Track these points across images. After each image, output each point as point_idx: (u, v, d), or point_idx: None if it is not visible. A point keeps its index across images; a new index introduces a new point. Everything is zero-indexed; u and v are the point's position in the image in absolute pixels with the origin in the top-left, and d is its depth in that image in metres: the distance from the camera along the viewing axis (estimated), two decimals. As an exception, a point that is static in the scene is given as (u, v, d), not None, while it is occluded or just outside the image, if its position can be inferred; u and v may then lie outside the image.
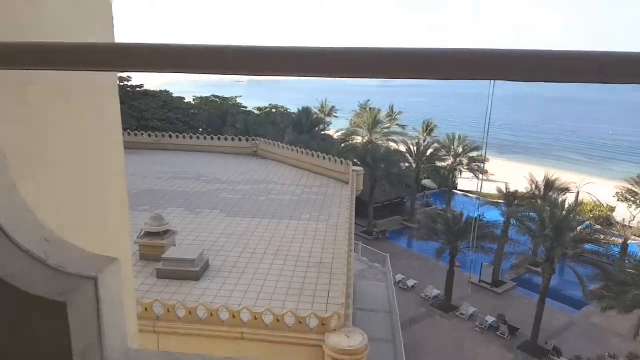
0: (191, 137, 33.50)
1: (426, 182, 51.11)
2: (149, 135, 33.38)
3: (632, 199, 45.56)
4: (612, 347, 27.91)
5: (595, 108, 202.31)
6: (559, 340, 29.38)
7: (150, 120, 46.34)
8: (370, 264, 27.81)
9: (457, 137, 52.68)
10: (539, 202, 37.23)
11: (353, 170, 24.85)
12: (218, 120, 49.83)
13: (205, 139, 33.24)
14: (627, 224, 45.93)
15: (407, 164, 48.43)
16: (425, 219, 33.77)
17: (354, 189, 23.33)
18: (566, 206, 31.74)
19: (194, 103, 58.93)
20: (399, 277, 34.47)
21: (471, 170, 52.57)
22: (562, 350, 27.59)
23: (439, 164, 50.82)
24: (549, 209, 30.17)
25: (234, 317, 12.07)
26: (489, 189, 56.44)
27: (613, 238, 34.80)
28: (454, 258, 32.00)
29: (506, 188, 42.86)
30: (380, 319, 21.65)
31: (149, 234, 15.61)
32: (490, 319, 30.77)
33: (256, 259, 16.21)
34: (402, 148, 50.53)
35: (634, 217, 46.38)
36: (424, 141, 60.30)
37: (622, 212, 47.21)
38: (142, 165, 27.78)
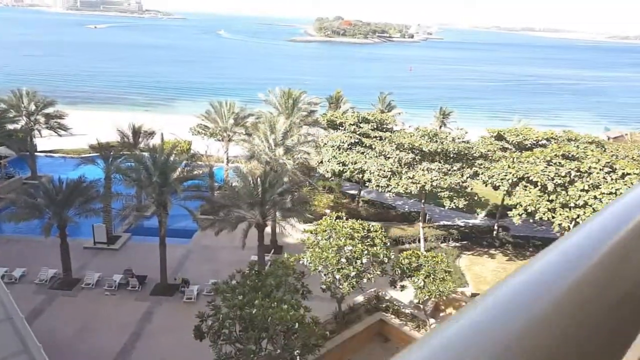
0: None
1: (0, 149, 42.62)
2: None
3: (203, 131, 51.97)
4: (224, 261, 33.32)
5: (152, 51, 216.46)
6: (183, 272, 32.63)
7: None
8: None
9: (24, 92, 45.57)
10: (136, 151, 37.93)
11: None
12: None
13: None
14: (208, 153, 53.46)
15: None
16: (18, 195, 28.54)
17: None
18: (159, 149, 33.81)
19: None
20: (1, 271, 28.67)
21: (51, 128, 47.28)
22: (189, 279, 30.84)
23: (11, 126, 42.93)
24: (148, 155, 31.39)
25: None
26: (78, 144, 52.78)
27: (202, 169, 40.32)
28: (64, 229, 29.10)
29: (98, 142, 41.20)
30: (2, 331, 17.90)
31: None
32: (118, 277, 30.53)
33: None
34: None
35: (207, 146, 54.28)
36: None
37: (198, 144, 54.07)
38: None
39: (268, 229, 33.30)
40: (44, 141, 50.69)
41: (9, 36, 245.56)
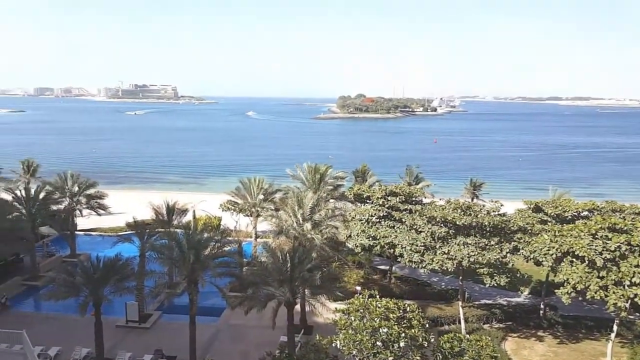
0: None
1: (43, 229, 44.87)
2: None
3: (233, 207, 53.21)
4: (253, 341, 32.91)
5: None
6: (212, 352, 32.26)
7: None
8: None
9: (69, 175, 48.71)
10: (170, 228, 39.21)
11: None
12: None
13: None
14: (237, 228, 54.53)
15: (16, 214, 41.00)
16: (58, 274, 29.66)
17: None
18: (192, 227, 35.00)
19: None
20: (37, 349, 29.15)
21: (91, 207, 49.77)
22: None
23: (55, 207, 45.49)
24: (181, 232, 32.37)
25: None
26: (116, 222, 54.98)
27: (231, 245, 40.96)
28: (99, 308, 29.71)
29: (134, 220, 42.91)
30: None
31: None
32: (148, 357, 30.47)
33: None
34: (7, 196, 42.41)
35: (237, 221, 55.46)
36: (28, 183, 52.65)
37: (228, 220, 55.33)
38: None
39: (297, 308, 32.83)
40: (84, 220, 53.19)
41: (58, 123, 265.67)
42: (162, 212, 43.87)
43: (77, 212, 49.25)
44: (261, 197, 47.36)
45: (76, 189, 48.39)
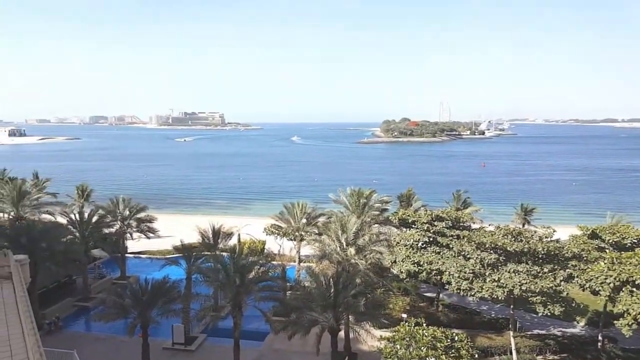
0: None
1: (95, 251, 46.62)
2: None
3: (277, 231, 53.44)
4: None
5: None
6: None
7: None
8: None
9: (121, 199, 50.70)
10: (216, 251, 39.76)
11: (16, 261, 20.33)
12: None
13: None
14: (281, 252, 54.67)
15: (70, 237, 42.92)
16: (108, 295, 30.54)
17: (22, 285, 19.06)
18: (238, 250, 35.23)
19: None
20: (87, 370, 29.90)
21: (141, 231, 51.38)
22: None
23: (107, 230, 47.34)
24: (226, 255, 32.69)
25: None
26: (164, 245, 56.51)
27: (275, 269, 40.86)
28: (147, 330, 30.23)
29: (181, 243, 43.85)
30: None
31: None
32: (193, 380, 30.46)
33: None
34: (62, 219, 44.59)
35: (280, 245, 55.60)
36: (82, 207, 55.10)
37: (271, 244, 55.56)
38: None
39: (341, 334, 32.16)
40: (134, 243, 54.97)
41: (111, 150, 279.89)
42: (208, 235, 44.60)
43: (128, 235, 50.98)
44: (304, 221, 47.33)
45: (127, 212, 50.18)
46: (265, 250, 54.68)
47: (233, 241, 47.98)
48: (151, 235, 51.59)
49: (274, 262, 48.94)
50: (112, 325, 33.31)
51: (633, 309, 26.92)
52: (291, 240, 49.63)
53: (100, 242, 46.08)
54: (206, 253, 39.90)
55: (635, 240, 37.59)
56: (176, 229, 60.79)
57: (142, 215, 51.71)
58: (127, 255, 52.88)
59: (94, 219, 46.10)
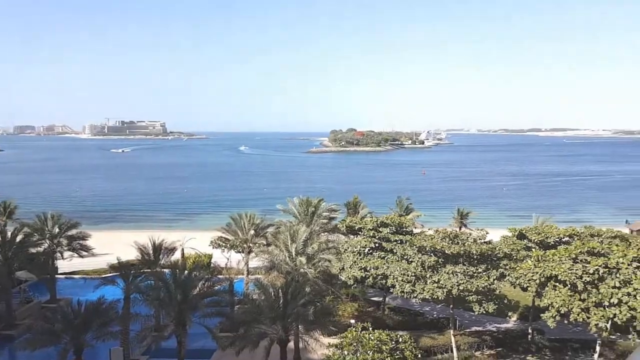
0: None
1: (20, 273, 42.73)
2: None
3: (224, 244, 51.69)
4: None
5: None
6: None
7: None
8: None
9: (49, 216, 46.99)
10: (157, 268, 37.64)
11: None
12: None
13: None
14: (229, 265, 52.69)
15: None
16: (35, 321, 27.88)
17: None
18: (181, 266, 33.57)
19: None
20: (11, 405, 26.96)
21: (73, 249, 47.84)
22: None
23: (34, 250, 43.53)
24: (168, 271, 31.00)
25: None
26: (100, 264, 52.90)
27: (222, 283, 39.26)
28: (81, 355, 27.83)
29: (118, 261, 41.14)
30: None
31: None
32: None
33: None
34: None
35: (228, 258, 53.77)
36: (4, 225, 50.78)
37: (218, 257, 53.52)
38: None
39: (291, 345, 31.40)
40: (65, 263, 50.96)
41: (40, 162, 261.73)
42: (149, 251, 42.18)
43: (58, 254, 47.17)
44: (252, 232, 46.03)
45: (57, 230, 46.51)
46: (212, 264, 52.67)
47: (176, 256, 45.80)
48: (85, 253, 48.13)
49: (220, 276, 47.28)
50: (40, 353, 30.45)
51: (556, 302, 28.98)
52: (239, 252, 48.10)
53: (26, 263, 42.17)
54: (146, 270, 37.66)
55: (557, 239, 40.97)
56: (113, 246, 57.08)
57: (74, 232, 48.14)
58: (57, 276, 48.87)
59: (19, 238, 42.20)
